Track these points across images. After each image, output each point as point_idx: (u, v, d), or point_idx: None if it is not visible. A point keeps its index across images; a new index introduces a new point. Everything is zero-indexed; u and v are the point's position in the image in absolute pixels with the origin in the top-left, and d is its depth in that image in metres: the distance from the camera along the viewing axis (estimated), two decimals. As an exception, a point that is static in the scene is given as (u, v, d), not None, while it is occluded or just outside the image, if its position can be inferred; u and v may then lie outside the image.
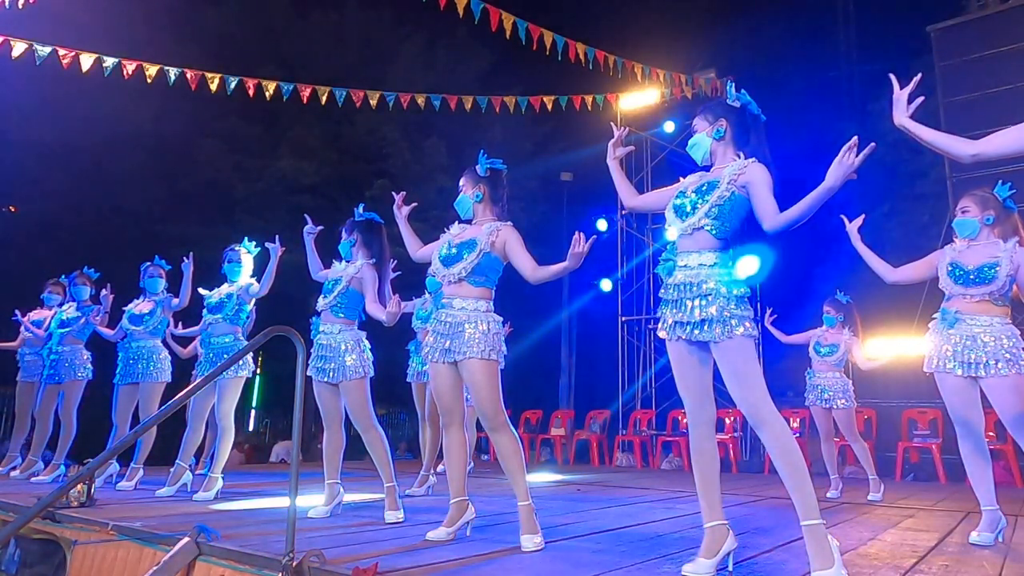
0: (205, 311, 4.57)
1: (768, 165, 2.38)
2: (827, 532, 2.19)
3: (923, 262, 3.40)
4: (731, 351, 2.26)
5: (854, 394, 5.22)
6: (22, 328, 5.66)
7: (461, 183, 3.11)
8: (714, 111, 2.52)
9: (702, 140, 2.52)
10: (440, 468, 4.84)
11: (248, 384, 4.67)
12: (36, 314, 5.77)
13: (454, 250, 2.98)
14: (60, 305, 5.65)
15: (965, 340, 3.11)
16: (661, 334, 2.48)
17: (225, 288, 4.56)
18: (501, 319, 2.99)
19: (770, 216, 2.28)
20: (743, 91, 2.53)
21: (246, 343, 4.43)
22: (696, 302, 2.32)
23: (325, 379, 3.57)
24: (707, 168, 2.56)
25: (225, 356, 4.33)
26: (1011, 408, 3.01)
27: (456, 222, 3.16)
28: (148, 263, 5.00)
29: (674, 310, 2.40)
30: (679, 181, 2.61)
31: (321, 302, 3.66)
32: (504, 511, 3.71)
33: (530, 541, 2.71)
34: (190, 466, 4.60)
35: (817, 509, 2.18)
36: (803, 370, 5.44)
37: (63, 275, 5.78)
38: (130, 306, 4.98)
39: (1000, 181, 3.29)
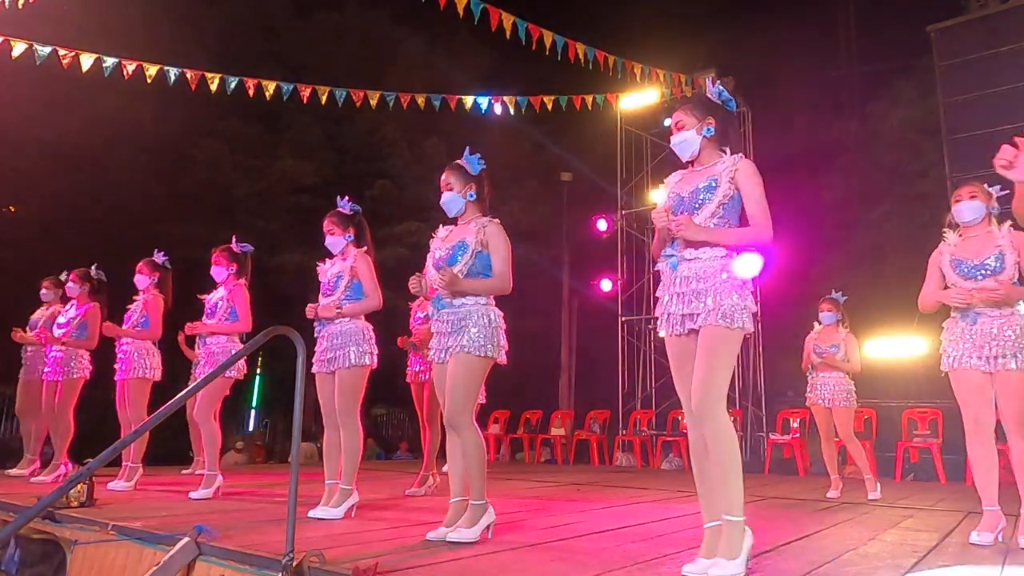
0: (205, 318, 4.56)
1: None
2: (747, 530, 2.29)
3: (932, 274, 3.34)
4: (720, 339, 2.31)
5: (855, 394, 5.24)
6: (28, 331, 5.66)
7: (447, 181, 3.07)
8: (699, 108, 2.53)
9: (692, 138, 2.52)
10: (446, 468, 4.84)
11: (248, 384, 4.67)
12: (39, 314, 5.79)
13: (446, 253, 2.98)
14: (62, 301, 5.67)
15: (986, 334, 3.09)
16: (662, 330, 2.49)
17: (222, 291, 4.54)
18: (502, 313, 3.00)
19: (763, 220, 2.38)
20: (721, 87, 2.57)
21: (242, 344, 4.43)
22: (702, 296, 2.36)
23: (329, 369, 3.58)
24: (686, 165, 2.60)
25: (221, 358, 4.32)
26: (1020, 404, 3.01)
27: (440, 225, 3.16)
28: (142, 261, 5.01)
29: (679, 304, 2.41)
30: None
31: (326, 302, 3.67)
32: (503, 511, 3.71)
33: (466, 533, 2.76)
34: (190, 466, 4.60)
35: (743, 508, 2.28)
36: (803, 370, 5.45)
37: (62, 274, 5.78)
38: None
39: (986, 184, 3.31)
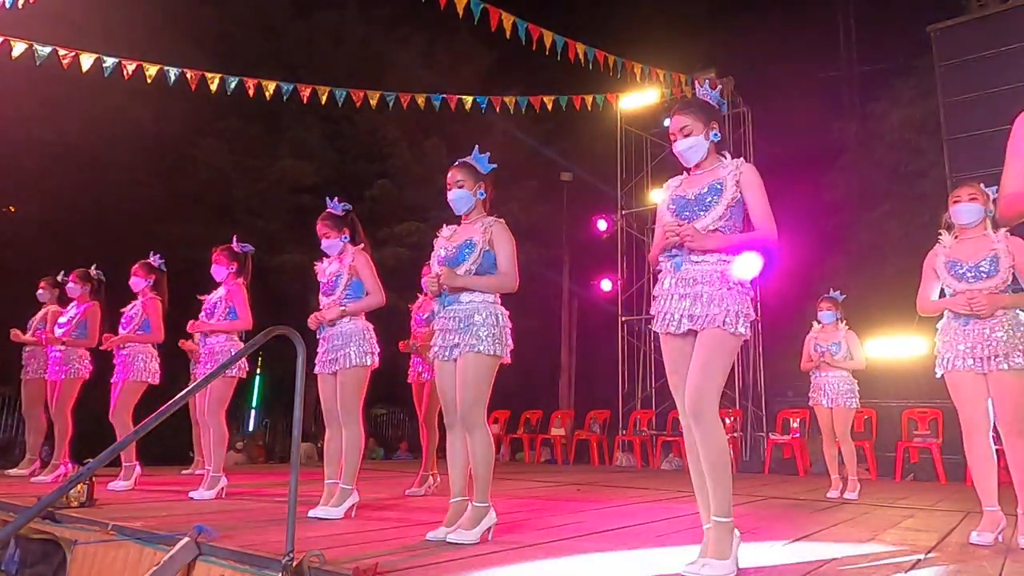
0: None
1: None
2: (735, 530, 2.34)
3: (928, 277, 3.35)
4: (720, 342, 2.33)
5: (858, 395, 5.23)
6: (29, 333, 5.66)
7: (458, 179, 3.03)
8: (703, 113, 2.53)
9: (701, 143, 2.52)
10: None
11: (248, 384, 4.67)
12: (40, 317, 5.80)
13: (452, 252, 2.98)
14: (59, 301, 5.67)
15: (979, 335, 3.10)
16: (659, 327, 2.49)
17: (221, 291, 4.54)
18: (507, 312, 2.99)
19: (767, 224, 2.40)
20: (714, 90, 2.60)
21: (242, 344, 4.43)
22: (706, 297, 2.36)
23: (330, 370, 3.58)
24: (684, 168, 2.61)
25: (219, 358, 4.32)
26: (1018, 403, 3.01)
27: (444, 225, 3.16)
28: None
29: (679, 304, 2.42)
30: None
31: (326, 301, 3.67)
32: (503, 511, 3.71)
33: (467, 535, 2.75)
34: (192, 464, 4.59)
35: (731, 509, 2.33)
36: (803, 370, 5.45)
37: (60, 274, 5.78)
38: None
39: (983, 184, 3.31)
